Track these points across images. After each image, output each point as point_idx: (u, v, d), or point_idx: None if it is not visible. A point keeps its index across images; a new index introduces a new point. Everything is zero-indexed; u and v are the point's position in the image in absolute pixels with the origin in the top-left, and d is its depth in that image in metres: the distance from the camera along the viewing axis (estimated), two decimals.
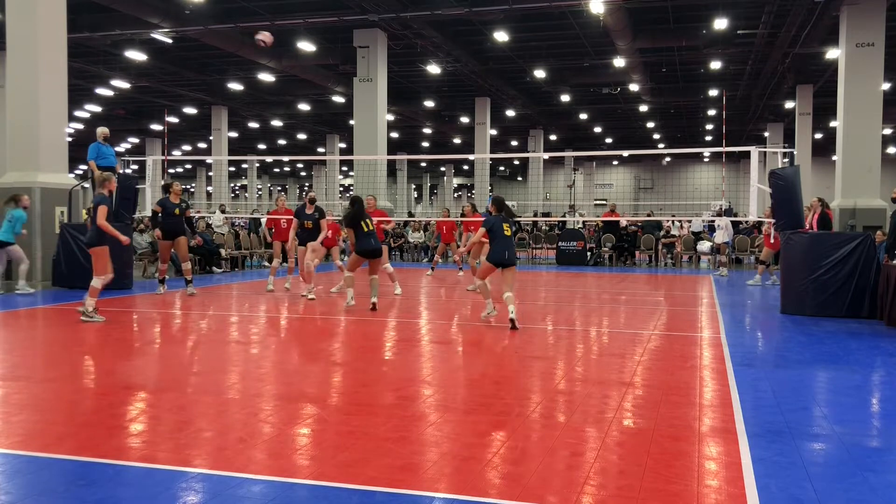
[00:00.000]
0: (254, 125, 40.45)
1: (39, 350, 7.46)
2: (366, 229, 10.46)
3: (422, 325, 9.10)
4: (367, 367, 6.50)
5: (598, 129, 42.50)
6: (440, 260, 18.55)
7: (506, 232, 9.10)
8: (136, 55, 23.72)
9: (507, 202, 9.79)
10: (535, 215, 37.18)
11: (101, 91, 30.69)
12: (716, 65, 25.00)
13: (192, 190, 60.11)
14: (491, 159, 42.95)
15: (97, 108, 34.57)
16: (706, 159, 51.72)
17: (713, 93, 29.73)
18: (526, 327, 8.92)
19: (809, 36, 20.18)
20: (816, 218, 12.09)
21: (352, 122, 22.95)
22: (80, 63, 24.28)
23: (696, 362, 6.68)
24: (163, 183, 12.67)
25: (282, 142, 47.99)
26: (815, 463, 3.95)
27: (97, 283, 8.78)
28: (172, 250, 12.36)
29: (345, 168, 46.20)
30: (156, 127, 39.17)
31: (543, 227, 25.67)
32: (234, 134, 40.63)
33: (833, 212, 14.66)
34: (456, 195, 64.83)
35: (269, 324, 9.18)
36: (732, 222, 20.36)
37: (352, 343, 7.93)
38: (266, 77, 27.31)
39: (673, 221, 22.84)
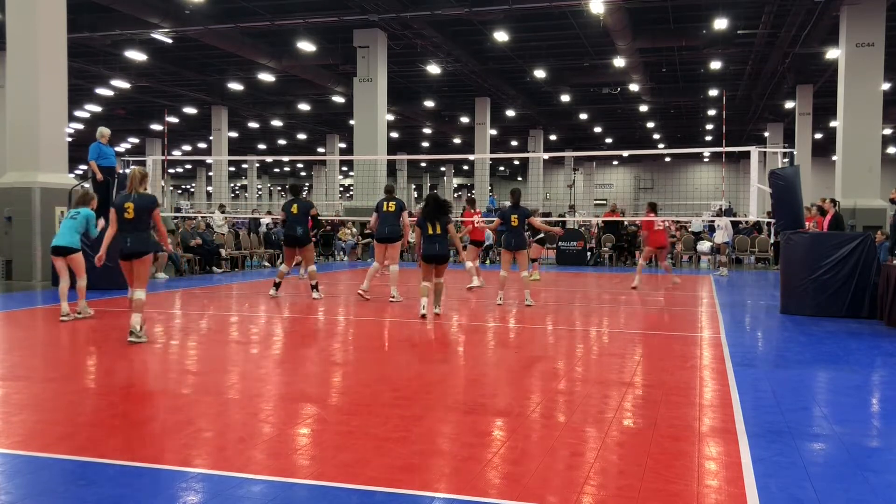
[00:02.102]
0: (254, 125, 40.46)
1: (39, 350, 7.45)
2: (430, 232, 9.50)
3: (421, 325, 9.09)
4: (367, 367, 6.50)
5: (598, 129, 42.52)
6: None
7: (512, 223, 10.72)
8: (136, 55, 23.74)
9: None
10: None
11: (101, 91, 30.70)
12: (716, 65, 25.02)
13: (192, 190, 60.12)
14: (491, 159, 42.95)
15: (97, 108, 34.58)
16: (706, 159, 51.73)
17: (713, 93, 29.74)
18: (526, 327, 8.93)
19: (809, 36, 20.19)
20: (829, 219, 12.19)
21: (352, 122, 22.96)
22: (80, 63, 24.29)
23: (696, 362, 6.68)
24: (290, 184, 12.32)
25: (282, 142, 48.00)
26: (815, 463, 3.95)
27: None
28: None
29: (345, 168, 46.22)
30: (156, 127, 39.18)
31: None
32: (234, 134, 40.64)
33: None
34: (456, 195, 64.83)
35: (269, 324, 9.18)
36: (732, 222, 20.36)
37: (352, 343, 7.93)
38: (266, 77, 27.32)
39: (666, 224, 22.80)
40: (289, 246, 11.47)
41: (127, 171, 15.68)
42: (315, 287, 11.42)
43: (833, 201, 13.10)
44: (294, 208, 11.32)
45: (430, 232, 9.49)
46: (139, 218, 7.36)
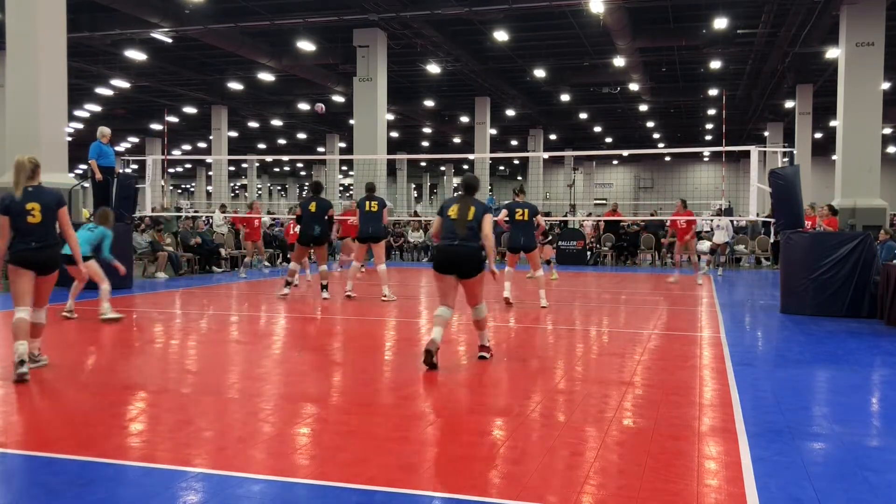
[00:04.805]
0: (254, 125, 40.46)
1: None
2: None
3: (422, 325, 9.10)
4: (367, 366, 6.49)
5: (597, 129, 42.51)
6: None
7: (517, 216, 10.37)
8: (136, 55, 23.73)
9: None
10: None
11: (101, 91, 30.69)
12: (716, 64, 25.02)
13: (192, 190, 60.06)
14: (491, 159, 42.90)
15: (97, 108, 34.57)
16: (706, 159, 51.71)
17: (713, 92, 29.73)
18: (526, 327, 8.93)
19: (809, 35, 20.19)
20: (826, 224, 12.31)
21: (352, 121, 22.95)
22: (80, 63, 24.27)
23: (696, 362, 6.68)
24: (313, 182, 11.88)
25: (282, 141, 47.98)
26: (815, 463, 3.95)
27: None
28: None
29: (345, 167, 46.18)
30: (156, 127, 39.17)
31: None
32: (233, 133, 40.62)
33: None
34: (456, 195, 64.72)
35: (269, 323, 9.18)
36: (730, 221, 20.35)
37: (352, 343, 7.93)
38: (266, 77, 27.32)
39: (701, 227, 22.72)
40: (304, 244, 11.16)
41: (128, 170, 15.73)
42: (325, 287, 11.32)
43: (830, 207, 13.23)
44: (312, 206, 11.04)
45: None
46: (49, 220, 5.81)
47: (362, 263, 11.65)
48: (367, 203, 11.21)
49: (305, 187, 68.59)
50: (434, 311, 6.34)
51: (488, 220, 6.45)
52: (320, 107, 12.74)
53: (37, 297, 5.86)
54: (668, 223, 17.83)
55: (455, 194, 6.77)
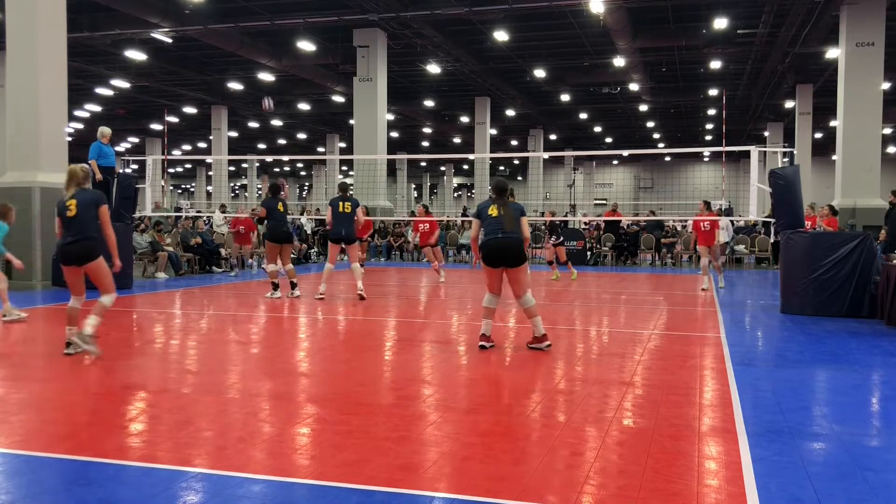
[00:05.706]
0: (254, 125, 40.45)
1: (39, 350, 7.45)
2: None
3: (422, 325, 9.10)
4: (367, 366, 6.50)
5: (598, 129, 42.52)
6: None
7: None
8: (136, 55, 23.74)
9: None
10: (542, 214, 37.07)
11: (101, 91, 30.70)
12: (716, 64, 25.03)
13: (192, 190, 60.04)
14: (491, 159, 42.92)
15: (97, 108, 34.57)
16: (706, 159, 51.74)
17: (713, 92, 29.74)
18: (525, 327, 8.93)
19: (809, 35, 20.20)
20: (826, 224, 12.30)
21: (352, 121, 22.95)
22: (80, 63, 24.29)
23: (696, 362, 6.68)
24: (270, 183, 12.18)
25: (282, 141, 47.98)
26: (815, 463, 3.95)
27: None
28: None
29: (345, 167, 46.21)
30: (156, 127, 39.17)
31: (542, 227, 25.60)
32: (233, 133, 40.61)
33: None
34: (456, 195, 64.80)
35: (269, 323, 9.18)
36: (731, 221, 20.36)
37: (351, 342, 7.93)
38: (266, 77, 27.34)
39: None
40: (277, 242, 11.33)
41: (128, 170, 15.74)
42: (294, 285, 11.69)
43: (831, 208, 13.21)
44: (280, 206, 11.40)
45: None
46: (85, 214, 6.56)
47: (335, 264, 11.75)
48: (341, 204, 11.23)
49: (305, 187, 68.62)
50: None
51: (525, 223, 7.20)
52: (269, 104, 13.16)
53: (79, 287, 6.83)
54: (690, 227, 17.02)
55: (489, 198, 7.34)
